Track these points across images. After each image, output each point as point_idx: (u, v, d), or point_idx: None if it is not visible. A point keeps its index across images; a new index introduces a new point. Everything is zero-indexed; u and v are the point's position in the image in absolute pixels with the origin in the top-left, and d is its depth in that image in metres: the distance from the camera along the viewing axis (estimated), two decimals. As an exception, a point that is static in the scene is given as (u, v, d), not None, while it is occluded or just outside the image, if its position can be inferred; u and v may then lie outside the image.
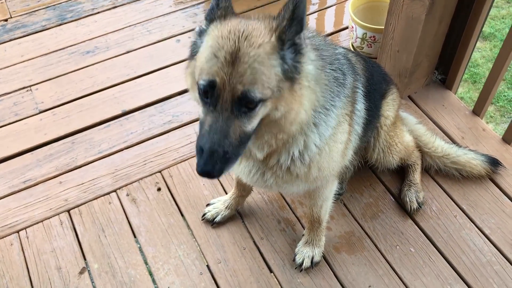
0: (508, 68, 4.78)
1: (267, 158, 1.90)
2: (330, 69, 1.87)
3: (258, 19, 1.62)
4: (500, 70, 2.89)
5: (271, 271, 2.58)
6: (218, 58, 1.51)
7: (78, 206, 2.83)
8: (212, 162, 1.55)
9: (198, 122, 1.66)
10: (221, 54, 1.51)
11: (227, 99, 1.53)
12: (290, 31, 1.55)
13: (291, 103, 1.61)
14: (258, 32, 1.54)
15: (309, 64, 1.65)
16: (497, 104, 4.44)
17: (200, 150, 1.57)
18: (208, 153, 1.54)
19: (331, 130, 1.92)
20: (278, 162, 1.91)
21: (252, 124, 1.60)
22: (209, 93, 1.54)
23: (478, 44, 4.99)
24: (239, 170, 2.07)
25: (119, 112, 3.31)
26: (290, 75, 1.57)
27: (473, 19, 2.91)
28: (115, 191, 2.90)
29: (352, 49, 3.58)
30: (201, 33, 1.66)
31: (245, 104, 1.54)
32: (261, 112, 1.58)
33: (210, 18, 1.64)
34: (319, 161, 1.95)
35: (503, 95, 4.49)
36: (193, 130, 3.17)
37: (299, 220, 2.77)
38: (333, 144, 1.97)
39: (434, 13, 2.79)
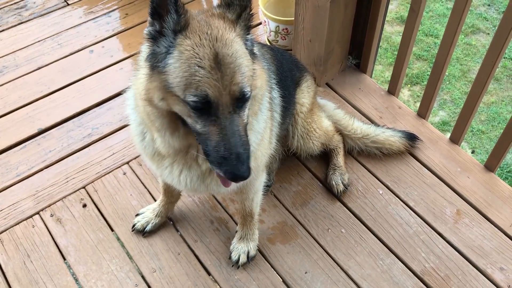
0: (429, 48, 5.06)
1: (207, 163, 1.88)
2: None
3: (206, 15, 1.62)
4: (407, 49, 3.00)
5: (208, 272, 2.55)
6: (203, 68, 1.50)
7: (-2, 234, 2.68)
8: (247, 164, 1.59)
9: (197, 134, 1.64)
10: (205, 64, 1.50)
11: (227, 103, 1.54)
12: (246, 16, 1.62)
13: (257, 82, 1.68)
14: (223, 29, 1.56)
15: (254, 45, 1.74)
16: (422, 84, 4.65)
17: (236, 157, 1.56)
18: (245, 156, 1.57)
19: (266, 113, 1.97)
20: None
21: (246, 114, 1.65)
22: (205, 105, 1.53)
23: (398, 28, 5.22)
24: (179, 181, 2.00)
25: (35, 131, 3.16)
26: (252, 56, 1.66)
27: (376, 2, 3.01)
28: (38, 213, 2.77)
29: (268, 44, 3.62)
30: (154, 38, 1.57)
31: (241, 99, 1.58)
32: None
33: (175, 29, 1.54)
34: (257, 150, 1.97)
35: (427, 75, 4.69)
36: (115, 141, 3.08)
37: (231, 218, 2.76)
38: (265, 131, 2.00)
39: (338, 0, 2.87)
